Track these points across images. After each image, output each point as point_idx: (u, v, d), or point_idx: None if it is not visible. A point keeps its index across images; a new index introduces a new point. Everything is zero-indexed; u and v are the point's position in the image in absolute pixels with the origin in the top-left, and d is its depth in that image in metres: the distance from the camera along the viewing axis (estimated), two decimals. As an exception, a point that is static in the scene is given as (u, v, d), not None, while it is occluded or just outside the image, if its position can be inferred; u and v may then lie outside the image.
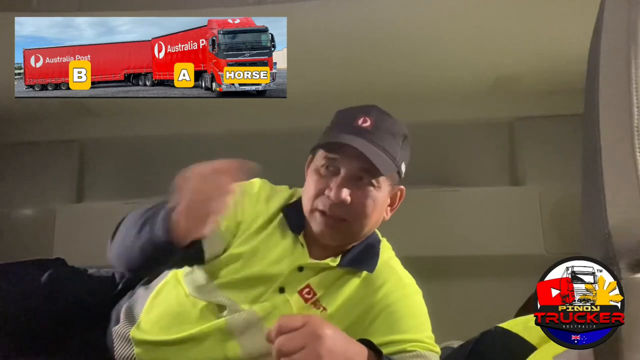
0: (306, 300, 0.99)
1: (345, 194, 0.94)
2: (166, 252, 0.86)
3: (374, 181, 0.97)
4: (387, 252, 1.08)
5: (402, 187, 1.06)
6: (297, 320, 0.78)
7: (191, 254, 0.98)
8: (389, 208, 1.06)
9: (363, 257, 1.03)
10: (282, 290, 1.00)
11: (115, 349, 1.04)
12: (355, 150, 0.94)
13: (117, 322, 1.07)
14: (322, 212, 0.97)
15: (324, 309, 0.99)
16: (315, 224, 0.98)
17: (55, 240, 2.12)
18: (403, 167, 1.03)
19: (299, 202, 1.06)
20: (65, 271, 1.20)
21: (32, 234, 2.16)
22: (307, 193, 1.01)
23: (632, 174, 0.54)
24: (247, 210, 1.04)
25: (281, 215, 1.06)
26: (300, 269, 1.01)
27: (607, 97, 0.59)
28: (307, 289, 1.00)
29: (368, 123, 0.97)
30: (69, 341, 1.09)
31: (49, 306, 1.10)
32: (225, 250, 1.02)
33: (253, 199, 1.05)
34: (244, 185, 1.05)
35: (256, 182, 1.09)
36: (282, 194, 1.09)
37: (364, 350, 0.87)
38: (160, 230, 0.83)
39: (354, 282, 1.01)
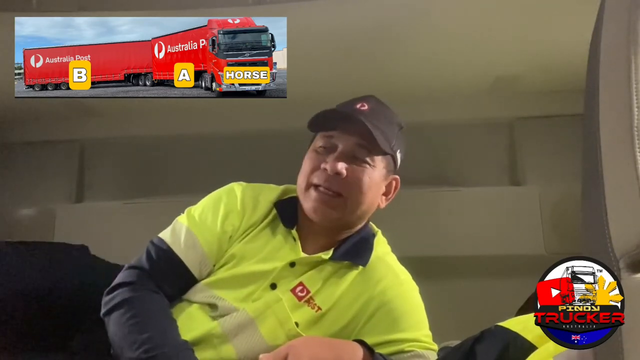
0: (299, 298, 0.99)
1: (341, 166, 0.97)
2: None
3: (369, 159, 0.99)
4: (382, 247, 1.08)
5: (396, 176, 1.07)
6: (278, 356, 0.83)
7: (185, 283, 1.01)
8: (384, 197, 1.06)
9: (356, 251, 1.03)
10: (273, 286, 0.99)
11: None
12: (352, 125, 0.97)
13: None
14: (317, 187, 0.98)
15: (319, 308, 0.98)
16: (310, 200, 0.99)
17: (55, 240, 2.12)
18: (399, 156, 1.05)
19: (292, 198, 1.07)
20: (86, 259, 1.21)
21: (32, 234, 2.15)
22: (302, 172, 1.02)
23: (632, 174, 0.54)
24: (235, 224, 1.04)
25: (271, 213, 1.06)
26: (292, 264, 1.00)
27: (607, 97, 0.59)
28: (299, 287, 0.99)
29: (366, 107, 1.01)
30: (76, 336, 1.10)
31: (62, 294, 1.10)
32: (214, 265, 1.03)
33: (239, 213, 1.05)
34: (227, 199, 1.05)
35: (237, 191, 1.07)
36: (268, 194, 1.08)
37: (358, 352, 0.87)
38: None
39: (349, 278, 1.01)
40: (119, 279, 0.99)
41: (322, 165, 0.98)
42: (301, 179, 1.02)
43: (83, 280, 1.15)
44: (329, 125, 1.01)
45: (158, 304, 0.96)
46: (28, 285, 1.10)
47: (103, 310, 0.97)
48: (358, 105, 1.01)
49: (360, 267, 1.02)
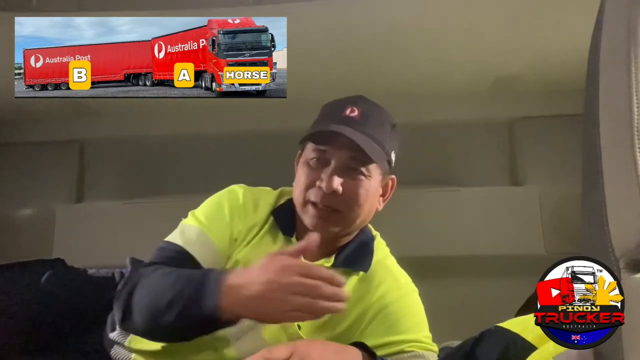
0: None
1: (337, 183, 0.94)
2: (204, 321, 0.82)
3: (364, 170, 0.97)
4: (381, 250, 1.08)
5: (393, 176, 1.06)
6: (283, 351, 0.80)
7: None
8: (381, 198, 1.05)
9: (357, 257, 1.03)
10: None
11: (112, 352, 1.04)
12: (344, 139, 0.94)
13: (113, 327, 1.06)
14: (315, 204, 0.96)
15: None
16: (308, 217, 0.97)
17: (55, 240, 2.12)
18: (393, 156, 1.03)
19: (289, 203, 1.06)
20: (64, 272, 1.20)
21: (32, 234, 2.16)
22: (298, 186, 1.00)
23: (632, 174, 0.54)
24: (238, 226, 1.02)
25: (270, 219, 1.04)
26: None
27: (607, 97, 0.59)
28: None
29: (356, 113, 0.98)
30: (67, 342, 1.09)
31: (47, 307, 1.09)
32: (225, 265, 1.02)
33: (242, 213, 1.03)
34: (230, 199, 1.04)
35: (239, 192, 1.06)
36: (267, 198, 1.07)
37: (358, 356, 0.87)
38: (210, 298, 0.80)
39: (350, 283, 1.00)
40: (127, 277, 0.97)
41: (317, 183, 0.96)
42: (297, 193, 1.00)
43: (65, 292, 1.14)
44: (320, 140, 0.98)
45: (170, 267, 0.92)
46: (11, 308, 1.09)
47: (120, 305, 0.91)
48: (347, 111, 0.97)
49: (361, 272, 1.02)
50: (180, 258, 0.97)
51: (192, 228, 1.01)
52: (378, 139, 0.97)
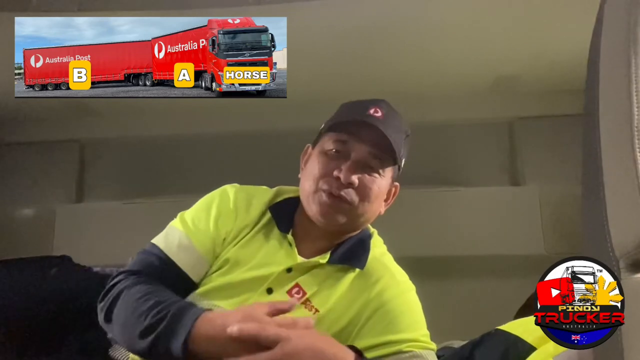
0: (296, 300, 0.96)
1: (355, 177, 0.96)
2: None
3: (380, 169, 0.99)
4: (379, 248, 1.08)
5: (397, 184, 1.07)
6: (266, 335, 0.79)
7: (183, 289, 0.98)
8: (384, 203, 1.06)
9: (353, 253, 1.02)
10: (269, 291, 0.97)
11: (110, 351, 1.04)
12: (368, 133, 0.96)
13: None
14: (326, 192, 0.97)
15: (316, 310, 0.97)
16: (317, 204, 0.97)
17: (55, 240, 2.13)
18: (402, 164, 1.04)
19: (288, 200, 1.06)
20: (70, 268, 1.21)
21: (32, 234, 2.16)
22: (310, 175, 1.00)
23: (632, 174, 0.54)
24: (228, 226, 1.02)
25: (264, 217, 1.04)
26: (289, 270, 0.98)
27: (607, 97, 0.59)
28: (296, 288, 0.98)
29: (379, 113, 0.99)
30: (70, 339, 1.10)
31: (51, 302, 1.10)
32: (211, 266, 1.01)
33: (232, 214, 1.03)
34: (219, 200, 1.04)
35: (230, 193, 1.05)
36: (262, 196, 1.07)
37: (349, 357, 0.87)
38: (179, 341, 0.81)
39: (346, 280, 1.00)
40: (110, 282, 0.97)
41: (335, 173, 0.96)
42: (309, 183, 1.00)
43: (70, 288, 1.15)
44: (342, 128, 0.99)
45: (155, 284, 0.93)
46: (15, 303, 1.09)
47: (101, 317, 0.94)
48: (371, 111, 0.98)
49: (357, 269, 1.02)
50: (162, 264, 0.97)
51: (176, 232, 1.01)
52: (397, 143, 0.99)
